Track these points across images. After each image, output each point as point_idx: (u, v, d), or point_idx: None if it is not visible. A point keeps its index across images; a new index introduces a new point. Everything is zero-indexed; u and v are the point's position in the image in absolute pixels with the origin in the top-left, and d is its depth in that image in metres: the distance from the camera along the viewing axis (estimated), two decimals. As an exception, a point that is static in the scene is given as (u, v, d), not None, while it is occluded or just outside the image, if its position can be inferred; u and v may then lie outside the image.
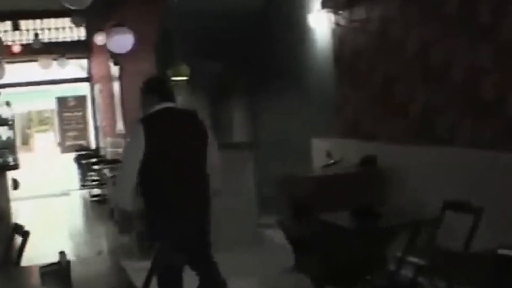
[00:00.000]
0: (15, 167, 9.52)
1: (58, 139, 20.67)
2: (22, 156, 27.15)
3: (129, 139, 5.13)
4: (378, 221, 5.20)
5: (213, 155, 5.17)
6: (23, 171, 20.27)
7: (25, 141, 33.65)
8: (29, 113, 33.84)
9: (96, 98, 18.27)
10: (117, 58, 13.36)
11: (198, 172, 5.04)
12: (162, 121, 4.98)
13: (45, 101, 22.29)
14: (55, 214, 13.48)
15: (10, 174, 11.04)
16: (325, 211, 5.56)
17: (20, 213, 12.90)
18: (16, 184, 13.33)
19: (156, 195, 4.91)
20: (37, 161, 24.62)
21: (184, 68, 10.85)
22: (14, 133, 12.50)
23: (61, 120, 20.03)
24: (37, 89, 20.46)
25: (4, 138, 11.89)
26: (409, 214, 5.68)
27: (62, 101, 19.74)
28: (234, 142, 10.77)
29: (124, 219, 4.92)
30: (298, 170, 8.33)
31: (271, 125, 10.76)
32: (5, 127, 12.37)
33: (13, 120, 12.88)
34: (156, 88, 5.16)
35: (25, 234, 4.76)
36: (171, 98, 5.14)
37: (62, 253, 3.66)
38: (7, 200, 8.94)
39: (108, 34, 9.90)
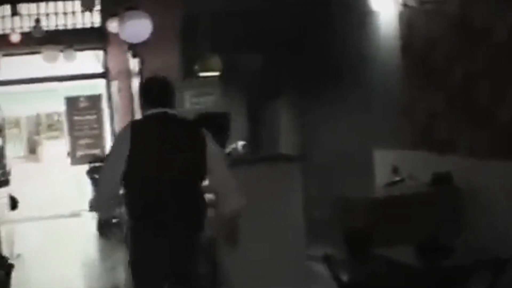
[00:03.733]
0: (5, 183, 9.57)
1: (68, 147, 20.87)
2: (28, 168, 27.82)
3: (113, 144, 5.62)
4: (453, 257, 5.21)
5: (220, 170, 5.46)
6: (29, 186, 20.66)
7: (33, 150, 34.29)
8: (38, 116, 34.42)
9: (114, 98, 18.35)
10: (136, 49, 13.42)
11: (188, 188, 5.35)
12: (150, 127, 5.37)
13: (52, 101, 22.57)
14: (63, 239, 13.61)
15: (2, 191, 11.21)
16: (387, 244, 5.61)
17: (20, 237, 13.07)
18: (14, 203, 13.49)
19: (137, 210, 5.34)
20: (46, 174, 25.00)
21: (215, 61, 10.93)
22: (3, 141, 12.58)
23: (71, 125, 20.23)
24: (44, 88, 20.70)
25: (-7, 146, 12.04)
26: (491, 248, 5.71)
27: (72, 102, 19.92)
28: (278, 154, 10.78)
29: (102, 226, 5.40)
30: (356, 189, 8.37)
31: (324, 133, 10.77)
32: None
33: (2, 125, 12.98)
34: (149, 90, 5.55)
35: (9, 268, 4.84)
36: (166, 103, 5.46)
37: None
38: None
39: (120, 20, 9.91)
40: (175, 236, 5.31)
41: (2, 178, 10.02)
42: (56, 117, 32.75)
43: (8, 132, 30.91)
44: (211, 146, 5.42)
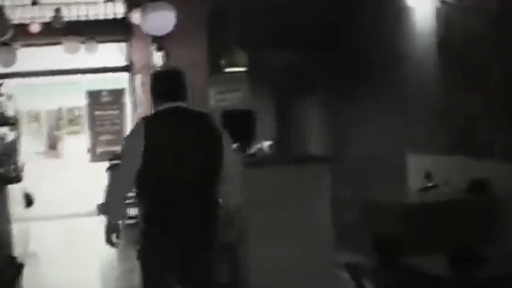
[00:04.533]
0: (16, 179, 9.59)
1: (88, 144, 20.90)
2: (48, 164, 27.95)
3: (126, 142, 5.62)
4: (487, 268, 5.17)
5: (231, 166, 5.53)
6: (47, 183, 20.74)
7: (53, 145, 34.36)
8: (59, 110, 34.56)
9: (137, 92, 18.38)
10: (160, 42, 13.43)
11: (203, 186, 5.41)
12: (163, 123, 5.40)
13: (74, 95, 22.60)
14: (81, 239, 13.67)
15: (17, 188, 11.24)
16: (418, 253, 5.61)
17: (36, 236, 13.13)
18: (29, 200, 13.57)
19: (150, 210, 5.40)
20: (65, 170, 25.09)
21: (242, 56, 10.93)
22: (17, 135, 12.61)
23: (92, 120, 20.24)
24: (65, 81, 20.74)
25: (8, 140, 12.05)
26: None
27: (94, 96, 19.94)
28: (306, 155, 10.79)
29: (110, 231, 5.42)
30: (387, 194, 8.37)
31: (356, 134, 10.79)
32: (6, 128, 12.49)
33: (16, 118, 13.01)
34: (161, 83, 5.59)
35: (18, 268, 4.88)
36: (179, 96, 5.50)
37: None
38: (6, 222, 9.04)
39: (143, 11, 9.90)
40: (189, 238, 5.39)
41: (14, 174, 9.99)
42: (77, 112, 32.86)
43: (27, 126, 31.15)
44: (227, 143, 5.49)
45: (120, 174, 5.42)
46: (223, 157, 5.45)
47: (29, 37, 15.48)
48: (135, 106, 18.92)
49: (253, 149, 9.42)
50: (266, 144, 9.71)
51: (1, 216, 8.82)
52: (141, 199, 5.47)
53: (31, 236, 13.01)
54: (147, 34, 12.95)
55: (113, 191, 5.49)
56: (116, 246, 5.54)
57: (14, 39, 12.50)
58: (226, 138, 5.52)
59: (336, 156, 10.55)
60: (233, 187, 5.55)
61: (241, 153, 9.01)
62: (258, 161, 8.91)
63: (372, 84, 10.14)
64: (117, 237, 5.46)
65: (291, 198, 8.04)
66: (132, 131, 5.50)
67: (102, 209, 5.70)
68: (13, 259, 4.79)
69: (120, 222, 5.46)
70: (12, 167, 10.67)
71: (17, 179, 9.59)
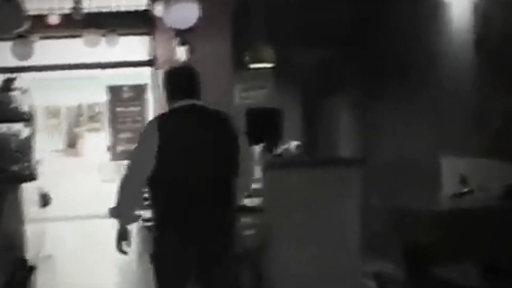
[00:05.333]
0: (30, 177, 9.59)
1: (108, 141, 20.95)
2: (67, 162, 28.08)
3: (139, 141, 5.53)
4: None
5: (248, 166, 5.63)
6: (65, 182, 20.84)
7: (72, 143, 34.52)
8: (80, 107, 34.68)
9: (160, 89, 18.39)
10: (183, 36, 13.44)
11: (221, 187, 5.40)
12: (179, 121, 5.41)
13: (94, 91, 22.65)
14: (99, 241, 13.68)
15: (33, 187, 11.26)
16: (450, 263, 5.50)
17: (52, 237, 13.17)
18: (46, 200, 13.61)
19: (165, 213, 5.37)
20: (84, 169, 25.21)
21: (268, 52, 10.93)
22: (32, 131, 12.58)
23: (113, 117, 20.27)
24: (85, 75, 20.78)
25: (23, 137, 12.05)
26: None
27: (115, 92, 19.97)
28: (335, 157, 10.84)
29: (120, 237, 5.46)
30: (419, 200, 8.31)
31: (387, 135, 10.76)
32: (21, 124, 12.50)
33: (31, 114, 12.99)
34: (175, 80, 5.58)
35: (29, 270, 4.91)
36: (194, 93, 5.51)
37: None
38: (19, 222, 9.05)
39: (166, 3, 9.92)
40: (208, 243, 5.37)
41: (28, 172, 10.01)
42: (97, 108, 32.97)
43: (45, 123, 31.31)
44: (243, 140, 5.52)
45: (132, 175, 5.38)
46: (240, 156, 5.48)
47: (48, 29, 15.49)
48: (157, 102, 18.92)
49: (280, 149, 9.40)
50: (293, 144, 9.68)
51: (14, 216, 8.82)
52: (154, 202, 5.43)
53: (46, 237, 13.03)
54: (170, 28, 12.98)
55: (124, 193, 5.44)
56: (127, 254, 5.53)
57: (31, 31, 12.56)
58: (243, 137, 5.56)
59: (365, 159, 10.51)
60: (246, 183, 5.67)
61: (267, 154, 9.00)
62: (284, 163, 8.90)
63: (404, 83, 10.12)
64: (128, 244, 5.49)
65: (318, 202, 7.99)
66: (145, 130, 5.51)
67: (114, 212, 5.66)
68: (24, 261, 4.79)
69: (131, 228, 5.47)
70: (26, 165, 10.68)
71: (31, 177, 9.59)
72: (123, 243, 5.46)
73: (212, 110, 5.64)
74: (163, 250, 5.43)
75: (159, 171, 5.24)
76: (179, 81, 5.55)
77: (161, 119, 5.46)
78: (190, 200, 5.28)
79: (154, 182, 5.29)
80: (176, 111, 5.46)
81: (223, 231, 5.44)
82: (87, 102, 33.14)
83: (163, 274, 5.43)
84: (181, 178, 5.27)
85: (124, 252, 5.51)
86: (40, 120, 22.81)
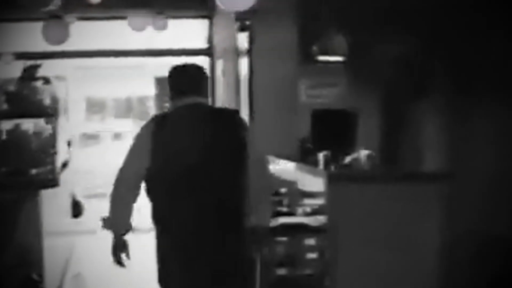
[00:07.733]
0: (52, 183, 9.47)
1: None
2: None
3: (132, 144, 5.79)
4: None
5: (260, 174, 5.81)
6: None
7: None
8: (128, 100, 35.03)
9: (217, 81, 18.43)
10: (244, 20, 13.42)
11: (226, 195, 5.63)
12: (178, 122, 5.70)
13: (140, 83, 22.89)
14: (134, 257, 13.69)
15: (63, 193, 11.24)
16: None
17: (81, 254, 13.18)
18: (78, 209, 13.57)
19: (162, 222, 5.73)
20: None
21: (339, 42, 10.99)
22: (54, 129, 12.48)
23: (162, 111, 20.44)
24: (129, 64, 20.90)
25: (44, 136, 11.96)
26: None
27: (163, 84, 20.07)
28: (415, 171, 10.64)
29: (117, 248, 5.82)
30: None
31: (481, 148, 10.56)
32: (42, 120, 12.41)
33: (54, 109, 12.89)
34: (179, 77, 5.94)
35: None
36: (199, 91, 5.86)
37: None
38: (37, 235, 8.98)
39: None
40: (216, 261, 5.63)
41: (50, 177, 9.87)
42: (148, 102, 33.40)
43: (91, 117, 31.65)
44: (249, 138, 5.74)
45: (125, 181, 5.66)
46: (246, 154, 5.68)
47: (87, 8, 15.49)
48: (213, 98, 18.87)
49: (348, 158, 9.29)
50: (364, 153, 9.55)
51: (31, 228, 8.76)
52: (153, 212, 5.79)
53: (75, 252, 13.07)
54: (227, 10, 12.99)
55: (118, 200, 5.73)
56: (125, 267, 5.79)
57: (67, 10, 12.58)
58: (249, 134, 5.81)
59: (452, 174, 10.41)
60: (259, 201, 5.79)
61: (332, 163, 8.97)
62: (353, 175, 8.93)
63: (503, 84, 9.95)
64: (127, 256, 5.84)
65: (392, 222, 8.08)
66: (140, 133, 5.78)
67: (107, 222, 5.91)
68: (33, 281, 4.80)
69: (128, 238, 5.77)
70: (49, 168, 10.57)
71: (53, 183, 9.44)
72: (121, 255, 5.80)
73: (219, 109, 6.23)
74: (168, 267, 5.82)
75: (155, 173, 5.56)
76: (184, 78, 5.90)
77: (158, 119, 5.82)
78: (192, 209, 5.53)
79: (150, 187, 5.66)
80: (179, 110, 5.82)
81: (233, 249, 5.67)
82: (137, 95, 33.57)
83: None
84: (179, 184, 5.51)
85: (122, 265, 5.79)
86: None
